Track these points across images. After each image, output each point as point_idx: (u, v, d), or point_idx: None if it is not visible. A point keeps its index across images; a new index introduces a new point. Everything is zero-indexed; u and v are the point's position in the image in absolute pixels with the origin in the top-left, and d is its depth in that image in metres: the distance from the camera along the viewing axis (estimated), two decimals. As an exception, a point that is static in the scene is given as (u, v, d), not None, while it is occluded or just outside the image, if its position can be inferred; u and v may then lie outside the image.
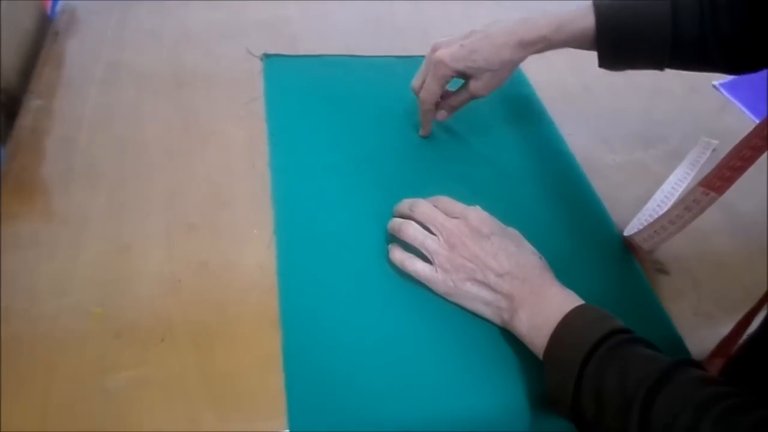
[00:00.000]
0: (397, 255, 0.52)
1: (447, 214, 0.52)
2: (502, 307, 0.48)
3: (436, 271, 0.50)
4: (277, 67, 0.71)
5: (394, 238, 0.53)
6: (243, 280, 0.50)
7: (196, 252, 0.52)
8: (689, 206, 0.52)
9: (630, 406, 0.38)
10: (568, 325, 0.44)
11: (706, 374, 0.40)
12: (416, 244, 0.51)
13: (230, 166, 0.59)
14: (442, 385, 0.46)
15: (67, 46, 0.70)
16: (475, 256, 0.49)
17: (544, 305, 0.46)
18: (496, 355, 0.48)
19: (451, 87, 0.62)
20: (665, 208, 0.57)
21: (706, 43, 0.54)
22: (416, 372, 0.47)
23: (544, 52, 0.59)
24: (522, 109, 0.72)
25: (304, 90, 0.69)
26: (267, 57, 0.72)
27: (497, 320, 0.49)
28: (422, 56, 0.70)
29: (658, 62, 0.57)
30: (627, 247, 0.58)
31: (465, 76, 0.59)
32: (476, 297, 0.49)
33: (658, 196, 0.64)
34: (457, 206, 0.52)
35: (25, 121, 0.60)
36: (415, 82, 0.62)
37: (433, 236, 0.51)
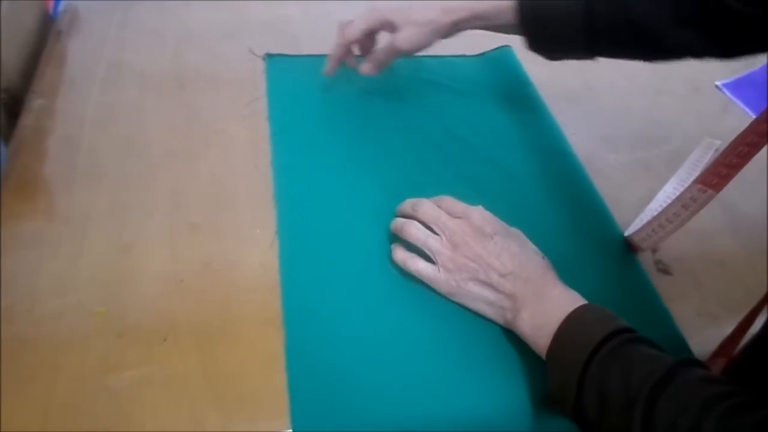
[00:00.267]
0: (400, 255, 0.52)
1: (450, 214, 0.51)
2: (504, 307, 0.48)
3: (439, 270, 0.50)
4: (280, 66, 0.71)
5: (396, 238, 0.53)
6: (246, 279, 0.50)
7: (199, 252, 0.51)
8: (686, 204, 0.52)
9: (633, 405, 0.37)
10: (571, 324, 0.44)
11: (709, 374, 0.40)
12: (419, 243, 0.51)
13: (233, 165, 0.59)
14: (444, 385, 0.46)
15: (69, 46, 0.70)
16: (478, 256, 0.49)
17: (547, 305, 0.46)
18: (499, 355, 0.48)
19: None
20: (667, 209, 0.57)
21: (620, 31, 0.54)
22: (419, 372, 0.46)
23: (477, 27, 0.61)
24: (525, 109, 0.72)
25: (307, 90, 0.69)
26: (269, 57, 0.72)
27: (500, 320, 0.49)
28: (425, 56, 0.70)
29: (577, 50, 0.58)
30: (629, 247, 0.58)
31: (392, 26, 0.61)
32: (479, 297, 0.49)
33: (661, 196, 0.64)
34: (460, 206, 0.52)
35: (27, 120, 0.60)
36: (341, 26, 0.64)
37: (436, 236, 0.51)
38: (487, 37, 0.79)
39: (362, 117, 0.67)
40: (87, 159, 0.57)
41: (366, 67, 0.64)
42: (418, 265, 0.51)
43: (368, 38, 0.65)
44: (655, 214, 0.54)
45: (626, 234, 0.58)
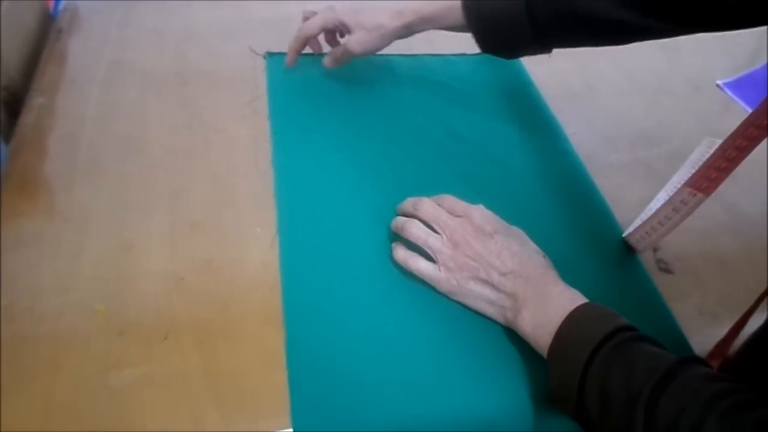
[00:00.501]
0: (401, 254, 0.52)
1: (450, 213, 0.51)
2: (505, 306, 0.48)
3: (440, 269, 0.50)
4: (280, 65, 0.71)
5: (397, 237, 0.53)
6: (246, 278, 0.50)
7: (200, 250, 0.51)
8: (677, 207, 0.52)
9: (635, 403, 0.37)
10: (572, 323, 0.44)
11: (711, 371, 0.40)
12: (419, 242, 0.51)
13: (233, 164, 0.59)
14: (445, 384, 0.46)
15: (69, 45, 0.70)
16: (479, 255, 0.49)
17: (547, 304, 0.46)
18: (500, 354, 0.48)
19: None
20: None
21: (564, 21, 0.54)
22: (420, 371, 0.46)
23: (427, 28, 0.62)
24: (525, 109, 0.72)
25: (307, 88, 0.69)
26: (270, 55, 0.72)
27: (501, 319, 0.49)
28: (426, 55, 0.70)
29: (527, 44, 0.58)
30: (629, 247, 0.58)
31: (346, 28, 0.64)
32: (480, 296, 0.49)
33: (662, 195, 0.63)
34: (461, 205, 0.52)
35: (28, 118, 0.60)
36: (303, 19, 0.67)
37: (437, 235, 0.51)
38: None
39: (363, 116, 0.67)
40: (87, 157, 0.57)
41: (326, 61, 0.68)
42: (418, 264, 0.51)
43: (330, 34, 0.69)
44: (647, 217, 0.54)
45: (624, 235, 0.58)
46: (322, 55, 0.73)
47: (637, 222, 0.60)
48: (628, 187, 0.65)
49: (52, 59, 0.67)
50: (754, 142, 0.47)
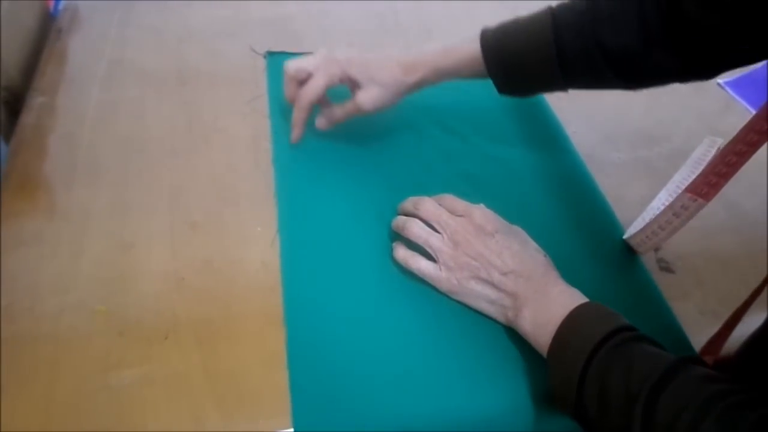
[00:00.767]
0: (401, 253, 0.52)
1: (451, 212, 0.51)
2: (506, 306, 0.48)
3: (440, 269, 0.50)
4: (281, 64, 0.70)
5: (398, 237, 0.53)
6: (247, 278, 0.50)
7: (200, 250, 0.51)
8: (677, 212, 0.52)
9: (634, 403, 0.37)
10: (572, 322, 0.44)
11: (710, 372, 0.40)
12: (420, 241, 0.51)
13: (234, 163, 0.59)
14: (446, 384, 0.46)
15: (69, 44, 0.70)
16: (480, 254, 0.48)
17: (548, 303, 0.46)
18: (501, 354, 0.48)
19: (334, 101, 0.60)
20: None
21: (593, 58, 0.52)
22: (420, 370, 0.46)
23: (443, 80, 0.58)
24: (526, 107, 0.72)
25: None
26: (270, 54, 0.72)
27: (501, 318, 0.49)
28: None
29: (553, 82, 0.55)
30: (628, 248, 0.58)
31: (354, 83, 0.57)
32: (480, 295, 0.49)
33: (663, 195, 0.63)
34: (462, 204, 0.52)
35: (28, 118, 0.60)
36: (292, 66, 0.58)
37: (438, 234, 0.51)
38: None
39: (363, 114, 0.66)
40: (87, 157, 0.57)
41: (320, 122, 0.61)
42: (419, 264, 0.51)
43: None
44: (649, 220, 0.54)
45: (624, 237, 0.58)
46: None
47: (639, 223, 0.60)
48: (629, 185, 0.65)
49: (52, 59, 0.67)
50: (754, 147, 0.47)
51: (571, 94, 0.75)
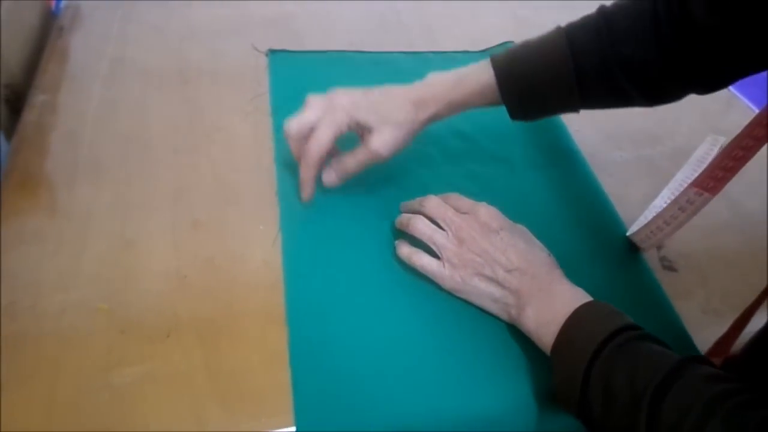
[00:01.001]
0: (405, 250, 0.52)
1: (456, 210, 0.51)
2: (509, 304, 0.48)
3: (444, 266, 0.50)
4: (283, 62, 0.71)
5: (401, 235, 0.53)
6: (249, 276, 0.50)
7: (202, 248, 0.51)
8: (683, 207, 0.52)
9: (638, 403, 0.37)
10: (576, 321, 0.44)
11: (715, 371, 0.39)
12: (424, 238, 0.51)
13: (236, 162, 0.59)
14: (449, 382, 0.46)
15: (71, 42, 0.70)
16: (485, 251, 0.48)
17: (552, 302, 0.46)
18: (504, 352, 0.48)
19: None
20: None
21: (612, 72, 0.51)
22: (423, 369, 0.46)
23: (454, 114, 0.56)
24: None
25: (310, 86, 0.68)
26: (272, 53, 0.72)
27: (504, 316, 0.49)
28: (428, 52, 0.69)
29: (570, 102, 0.54)
30: (631, 246, 0.58)
31: (363, 128, 0.53)
32: (484, 292, 0.49)
33: (666, 193, 0.63)
34: (467, 202, 0.52)
35: (29, 116, 0.60)
36: (293, 125, 0.52)
37: (442, 231, 0.51)
38: (488, 33, 0.79)
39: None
40: (89, 155, 0.57)
41: (330, 177, 0.54)
42: (422, 260, 0.51)
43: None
44: (653, 216, 0.54)
45: (628, 234, 0.58)
46: (324, 52, 0.73)
47: (641, 220, 0.60)
48: (632, 184, 0.65)
49: (53, 57, 0.67)
50: (761, 141, 0.47)
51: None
